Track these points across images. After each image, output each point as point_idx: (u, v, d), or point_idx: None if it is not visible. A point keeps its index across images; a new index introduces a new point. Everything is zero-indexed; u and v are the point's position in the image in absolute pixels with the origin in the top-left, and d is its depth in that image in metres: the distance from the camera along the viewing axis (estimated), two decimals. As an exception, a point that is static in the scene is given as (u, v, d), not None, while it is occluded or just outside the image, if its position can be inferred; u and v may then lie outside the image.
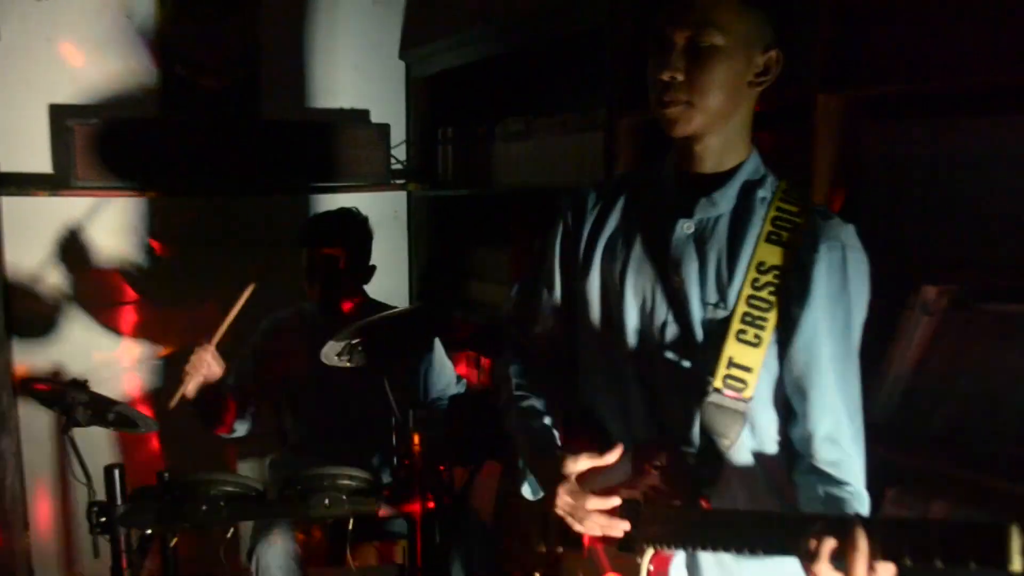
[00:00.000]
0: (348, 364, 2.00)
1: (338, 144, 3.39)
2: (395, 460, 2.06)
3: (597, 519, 1.41)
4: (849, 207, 1.91)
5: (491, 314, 3.17)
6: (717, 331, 1.39)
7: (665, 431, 1.46)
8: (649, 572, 1.39)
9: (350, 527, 2.03)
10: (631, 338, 1.48)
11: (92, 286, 3.26)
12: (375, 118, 3.61)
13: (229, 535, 1.99)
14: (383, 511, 1.97)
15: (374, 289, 2.78)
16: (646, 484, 1.41)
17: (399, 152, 3.63)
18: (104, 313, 3.29)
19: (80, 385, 2.04)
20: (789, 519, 1.31)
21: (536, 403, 1.60)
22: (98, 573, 2.08)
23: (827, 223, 1.39)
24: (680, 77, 1.34)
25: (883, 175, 1.95)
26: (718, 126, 1.40)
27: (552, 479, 1.46)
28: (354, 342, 1.94)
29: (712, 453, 1.39)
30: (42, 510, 3.22)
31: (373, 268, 2.71)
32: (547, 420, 1.57)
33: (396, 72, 3.67)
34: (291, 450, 2.76)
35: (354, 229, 2.67)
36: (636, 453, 1.44)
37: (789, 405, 1.42)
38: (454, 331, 2.69)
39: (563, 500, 1.43)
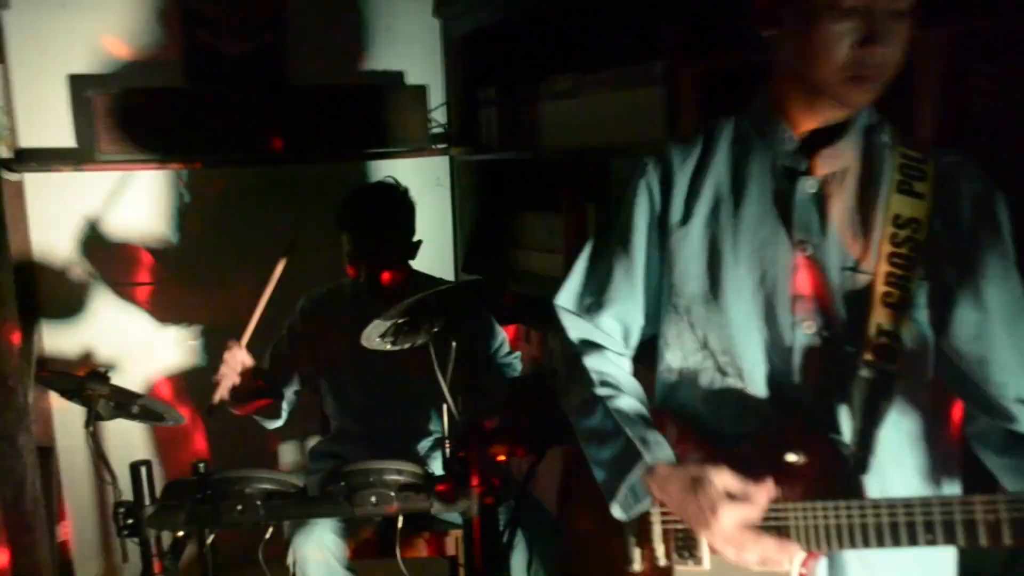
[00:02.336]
0: (391, 347, 1.80)
1: (372, 109, 3.21)
2: (448, 451, 1.88)
3: (768, 547, 1.21)
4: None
5: (541, 285, 2.98)
6: (859, 297, 1.24)
7: (799, 416, 1.28)
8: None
9: (400, 524, 1.85)
10: (749, 315, 1.30)
11: (119, 264, 3.14)
12: (411, 80, 3.42)
13: (268, 536, 1.82)
14: (436, 508, 1.79)
15: (417, 260, 2.59)
16: (786, 478, 1.23)
17: (439, 115, 3.44)
18: (132, 292, 3.17)
19: (101, 377, 1.87)
20: (967, 502, 1.14)
21: (630, 402, 1.38)
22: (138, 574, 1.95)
23: (960, 167, 1.27)
24: (888, 50, 1.18)
25: (986, 114, 1.74)
26: None
27: (681, 494, 1.25)
28: (400, 322, 1.75)
29: (864, 435, 1.23)
30: (78, 509, 3.13)
31: (418, 244, 2.51)
32: (650, 423, 1.37)
33: (431, 31, 3.47)
34: (333, 438, 2.60)
35: (396, 206, 2.46)
36: (766, 444, 1.27)
37: (959, 373, 1.25)
38: (506, 304, 2.50)
39: (725, 524, 1.21)
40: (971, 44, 1.71)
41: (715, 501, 1.20)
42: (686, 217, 1.35)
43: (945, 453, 1.31)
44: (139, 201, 3.14)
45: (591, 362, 1.42)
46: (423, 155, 3.37)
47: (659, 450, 1.30)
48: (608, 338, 1.45)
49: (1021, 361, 1.22)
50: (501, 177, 3.49)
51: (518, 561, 2.12)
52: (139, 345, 3.18)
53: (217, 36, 3.09)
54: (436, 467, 2.38)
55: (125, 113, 2.90)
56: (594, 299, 1.45)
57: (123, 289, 3.14)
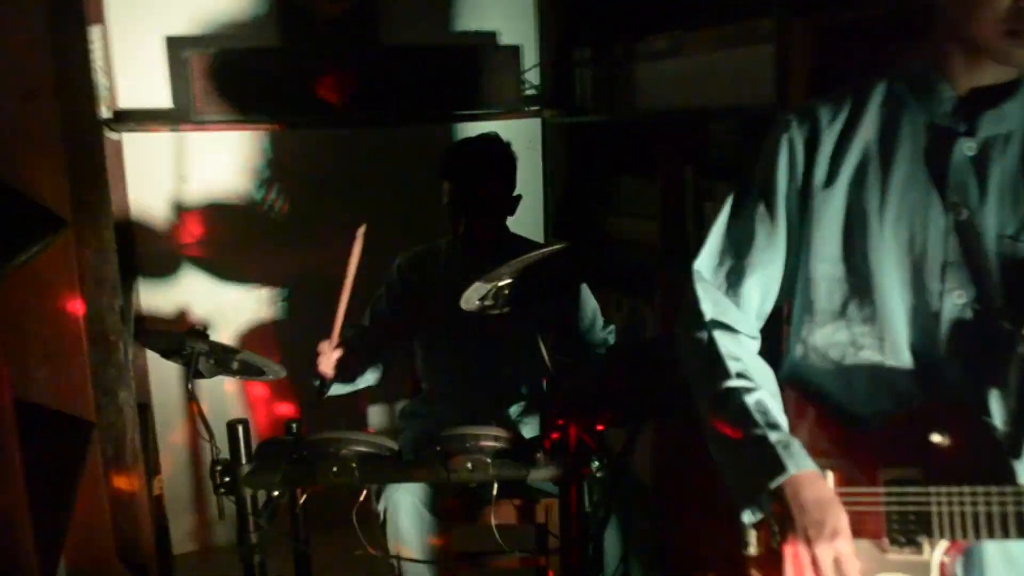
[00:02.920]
0: (492, 311, 1.75)
1: (465, 70, 3.16)
2: (545, 418, 1.83)
3: None
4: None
5: (635, 253, 2.90)
6: (1019, 268, 1.15)
7: (943, 395, 1.20)
8: (942, 566, 1.13)
9: (495, 491, 1.82)
10: (893, 281, 1.23)
11: (215, 224, 3.15)
12: (505, 40, 3.34)
13: (362, 498, 1.81)
14: (533, 476, 1.75)
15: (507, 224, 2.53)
16: (929, 461, 1.16)
17: (531, 77, 3.35)
18: (228, 252, 3.19)
19: (200, 334, 1.86)
20: None
21: (769, 399, 1.30)
22: (232, 530, 1.95)
23: None
24: None
25: None
26: None
27: (804, 512, 1.20)
28: (501, 284, 1.69)
29: (1019, 418, 1.15)
30: (172, 464, 3.19)
31: (519, 198, 2.47)
32: (785, 424, 1.29)
33: (525, -11, 3.38)
34: (424, 399, 2.57)
35: (500, 154, 2.44)
36: (906, 423, 1.20)
37: None
38: (604, 270, 2.42)
39: (824, 561, 1.17)
40: None
41: (828, 545, 1.17)
42: (831, 178, 1.28)
43: None
44: (233, 161, 3.15)
45: (725, 347, 1.34)
46: (515, 117, 3.30)
47: (802, 458, 1.23)
48: (743, 318, 1.37)
49: None
50: (595, 140, 3.40)
51: (612, 534, 2.06)
52: (231, 304, 3.20)
53: (313, -5, 3.07)
54: (527, 433, 2.33)
55: (221, 73, 2.90)
56: (734, 264, 1.38)
57: (216, 248, 3.16)
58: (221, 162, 3.13)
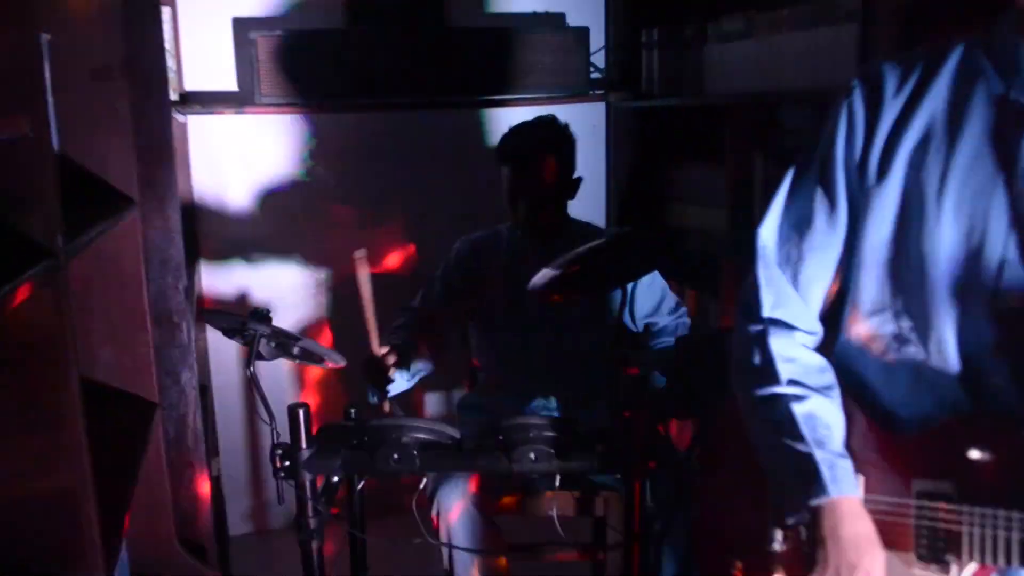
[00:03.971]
0: (558, 297, 1.70)
1: (531, 52, 3.11)
2: (611, 411, 1.78)
3: None
4: None
5: (702, 242, 2.82)
6: None
7: (988, 405, 1.09)
8: None
9: (557, 484, 1.77)
10: (947, 273, 1.11)
11: (277, 208, 3.15)
12: (572, 21, 3.28)
13: (422, 487, 1.78)
14: (596, 469, 1.70)
15: (569, 210, 2.48)
16: (966, 477, 1.06)
17: (598, 59, 3.28)
18: (289, 237, 3.19)
19: (263, 316, 1.85)
20: None
21: (821, 408, 1.23)
22: (288, 513, 1.94)
23: None
24: None
25: None
26: None
27: (838, 544, 1.16)
28: (570, 271, 1.64)
29: None
30: (231, 446, 3.22)
31: (579, 180, 2.41)
32: (838, 438, 1.22)
33: (595, -30, 3.31)
34: (482, 389, 2.54)
35: (557, 137, 2.38)
36: (942, 431, 1.10)
37: None
38: (669, 259, 2.35)
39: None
40: None
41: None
42: (889, 153, 1.16)
43: None
44: (297, 144, 3.14)
45: (778, 346, 1.26)
46: (580, 101, 3.24)
47: (846, 483, 1.17)
48: (803, 312, 1.28)
49: None
50: (662, 125, 3.31)
51: (677, 534, 2.00)
52: (292, 290, 3.21)
53: (379, -23, 3.04)
54: (590, 424, 2.28)
55: (286, 55, 2.90)
56: (794, 248, 1.28)
57: (278, 233, 3.16)
58: (285, 145, 3.13)
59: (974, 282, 1.10)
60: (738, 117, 2.76)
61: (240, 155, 3.09)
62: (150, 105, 1.87)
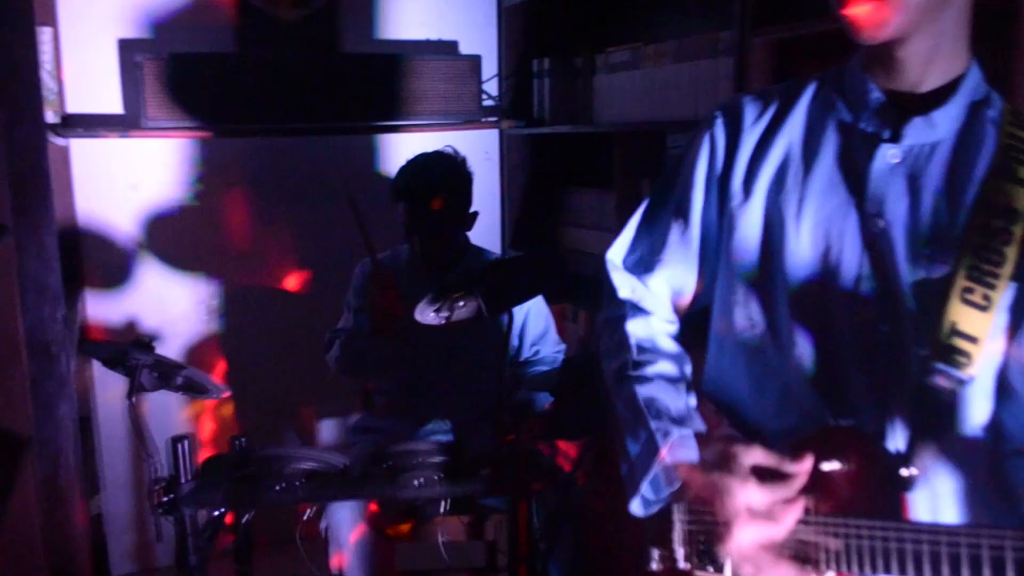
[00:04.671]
0: (445, 320, 1.72)
1: (424, 78, 3.13)
2: (497, 434, 1.80)
3: (786, 573, 1.09)
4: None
5: (592, 265, 2.87)
6: (934, 289, 1.08)
7: (846, 418, 1.14)
8: None
9: (444, 509, 1.78)
10: (804, 295, 1.16)
11: (165, 233, 3.08)
12: (464, 50, 3.33)
13: (306, 517, 1.77)
14: (482, 493, 1.72)
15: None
16: (821, 488, 1.10)
17: (490, 87, 3.33)
18: (177, 263, 3.12)
19: (145, 345, 1.81)
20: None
21: (668, 369, 1.26)
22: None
23: None
24: None
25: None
26: (924, 25, 1.06)
27: (708, 477, 1.14)
28: (456, 295, 1.66)
29: (917, 448, 1.07)
30: (114, 481, 3.10)
31: (475, 215, 2.43)
32: (686, 396, 1.26)
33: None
34: (377, 413, 2.53)
35: (454, 174, 2.38)
36: (801, 445, 1.12)
37: (1006, 384, 1.11)
38: (560, 282, 2.39)
39: (743, 542, 1.09)
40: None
41: (734, 517, 1.09)
42: (749, 179, 1.21)
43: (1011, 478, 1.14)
44: (183, 169, 3.08)
45: (633, 327, 1.30)
46: (473, 128, 3.27)
47: (682, 448, 1.18)
48: (658, 303, 1.33)
49: None
50: (553, 152, 3.39)
51: (562, 552, 2.03)
52: (180, 316, 3.13)
53: (271, 2, 3.01)
54: (478, 448, 2.30)
55: (173, 79, 2.84)
56: (646, 260, 1.33)
57: (165, 258, 3.09)
58: (173, 170, 3.06)
59: (832, 300, 1.15)
60: (626, 144, 2.85)
61: (126, 179, 3.01)
62: (22, 130, 1.81)
